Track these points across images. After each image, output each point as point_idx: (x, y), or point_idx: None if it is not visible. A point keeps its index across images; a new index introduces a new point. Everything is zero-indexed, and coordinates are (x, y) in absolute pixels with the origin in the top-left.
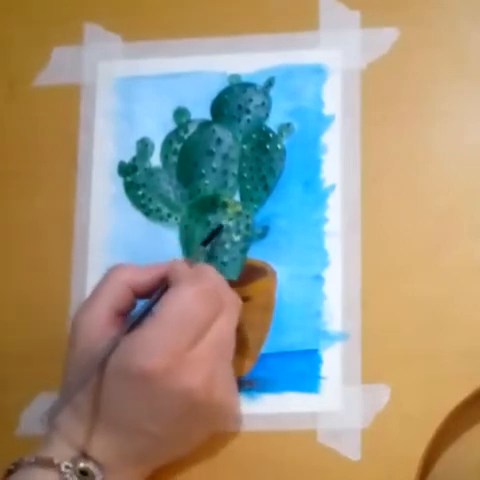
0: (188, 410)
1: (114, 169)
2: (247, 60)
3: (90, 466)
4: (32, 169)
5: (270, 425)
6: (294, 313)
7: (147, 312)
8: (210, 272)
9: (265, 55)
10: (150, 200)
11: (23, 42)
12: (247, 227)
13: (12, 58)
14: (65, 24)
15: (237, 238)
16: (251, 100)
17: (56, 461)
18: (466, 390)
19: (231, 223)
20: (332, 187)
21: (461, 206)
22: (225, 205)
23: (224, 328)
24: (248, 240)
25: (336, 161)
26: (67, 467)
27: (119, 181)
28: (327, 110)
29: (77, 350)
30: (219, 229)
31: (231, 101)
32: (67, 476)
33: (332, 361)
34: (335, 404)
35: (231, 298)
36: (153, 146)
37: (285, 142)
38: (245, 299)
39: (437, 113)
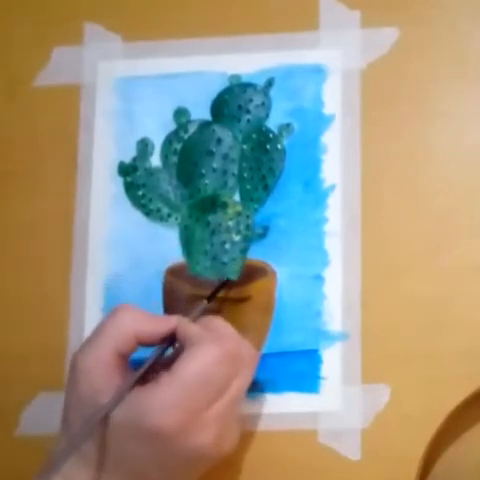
0: (196, 461)
1: (114, 169)
2: (247, 60)
3: None
4: (32, 169)
5: (270, 425)
6: (294, 313)
7: (152, 366)
8: (226, 329)
9: (265, 55)
10: (150, 200)
11: (23, 42)
12: (247, 227)
13: (12, 58)
14: (65, 24)
15: (237, 238)
16: (251, 100)
17: None
18: (466, 390)
19: (231, 223)
20: (332, 187)
21: (461, 206)
22: (225, 205)
23: (240, 387)
24: (248, 240)
25: (336, 161)
26: None
27: (119, 181)
28: (327, 110)
29: (80, 394)
30: (224, 283)
31: (231, 101)
32: None
33: (332, 361)
34: (335, 404)
35: (249, 353)
36: (153, 146)
37: (285, 142)
38: (245, 299)
39: (437, 113)
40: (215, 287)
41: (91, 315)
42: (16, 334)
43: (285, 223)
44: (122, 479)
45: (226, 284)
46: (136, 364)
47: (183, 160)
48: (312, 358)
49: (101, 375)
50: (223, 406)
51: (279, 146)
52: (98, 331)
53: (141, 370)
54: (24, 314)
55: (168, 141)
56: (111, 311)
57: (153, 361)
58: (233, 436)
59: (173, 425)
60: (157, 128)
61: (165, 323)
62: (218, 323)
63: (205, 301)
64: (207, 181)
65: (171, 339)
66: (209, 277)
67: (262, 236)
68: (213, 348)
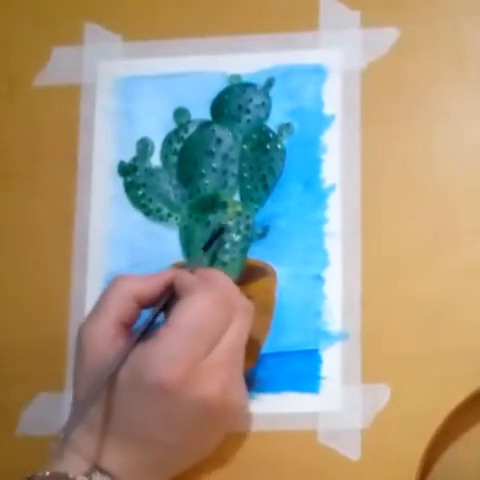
0: (203, 417)
1: (114, 169)
2: (247, 60)
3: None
4: (32, 169)
5: (270, 425)
6: (294, 313)
7: (153, 322)
8: (221, 278)
9: (265, 55)
10: (150, 200)
11: (23, 42)
12: (247, 227)
13: (12, 58)
14: (65, 24)
15: (237, 238)
16: (251, 100)
17: (71, 475)
18: (466, 390)
19: (231, 223)
20: (332, 187)
21: (461, 206)
22: (225, 205)
23: (237, 333)
24: (248, 240)
25: (336, 161)
26: None
27: (119, 181)
28: (327, 110)
29: (85, 364)
30: (220, 231)
31: (231, 101)
32: None
33: (332, 361)
34: (335, 404)
35: (243, 303)
36: (153, 146)
37: (285, 142)
38: None
39: (437, 113)
40: (210, 234)
41: None
42: (16, 334)
43: (285, 223)
44: (131, 444)
45: (222, 231)
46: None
47: (183, 160)
48: (312, 358)
49: (105, 343)
50: (221, 354)
51: (279, 146)
52: (99, 302)
53: (142, 327)
54: (24, 314)
55: (168, 141)
56: (110, 281)
57: (153, 317)
58: (239, 393)
59: (176, 376)
60: (157, 128)
61: (162, 278)
62: (213, 272)
63: (201, 250)
64: (207, 181)
65: (169, 292)
66: None
67: (262, 236)
68: (206, 295)
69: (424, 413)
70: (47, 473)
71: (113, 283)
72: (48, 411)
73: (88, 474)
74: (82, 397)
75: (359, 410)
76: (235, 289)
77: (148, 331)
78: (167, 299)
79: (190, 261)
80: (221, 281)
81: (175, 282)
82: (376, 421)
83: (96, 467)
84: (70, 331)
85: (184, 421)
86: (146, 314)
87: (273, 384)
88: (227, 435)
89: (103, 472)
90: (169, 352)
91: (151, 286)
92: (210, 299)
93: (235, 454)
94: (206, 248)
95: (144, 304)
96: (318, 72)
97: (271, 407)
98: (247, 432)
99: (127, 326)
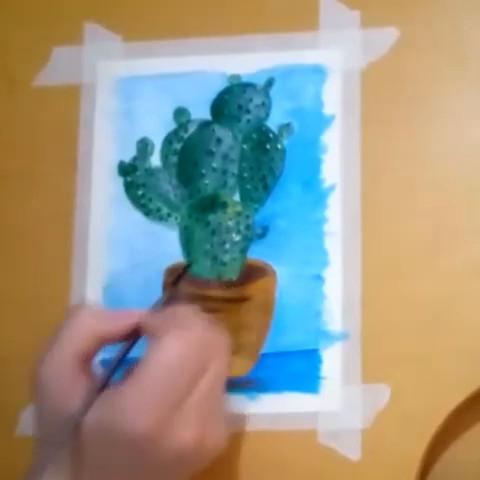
0: (178, 467)
1: (114, 169)
2: (247, 60)
3: None
4: (32, 169)
5: (270, 425)
6: (294, 313)
7: (118, 366)
8: (191, 317)
9: (265, 55)
10: (150, 200)
11: (23, 42)
12: (247, 227)
13: (12, 58)
14: (65, 24)
15: (237, 238)
16: (251, 100)
17: None
18: (466, 390)
19: (231, 223)
20: (332, 187)
21: (461, 206)
22: (225, 205)
23: (214, 376)
24: (248, 240)
25: (336, 161)
26: None
27: (119, 181)
28: (327, 110)
29: (47, 406)
30: (185, 269)
31: (231, 101)
32: None
33: (332, 361)
34: (335, 404)
35: (218, 341)
36: (153, 146)
37: (285, 142)
38: (245, 299)
39: (437, 113)
40: (179, 273)
41: None
42: (16, 334)
43: (285, 223)
44: None
45: (187, 269)
46: (108, 364)
47: (183, 160)
48: (312, 358)
49: (67, 382)
50: (199, 398)
51: (279, 146)
52: (56, 337)
53: (109, 370)
54: (24, 314)
55: (168, 141)
56: (66, 313)
57: (120, 359)
58: (217, 435)
59: (148, 424)
60: (157, 128)
61: (127, 318)
62: (184, 312)
63: (172, 288)
64: (207, 181)
65: (136, 334)
66: (209, 277)
67: (262, 236)
68: (178, 337)
69: (424, 413)
70: None
71: (70, 317)
72: None
73: None
74: (48, 440)
75: (359, 410)
76: (207, 325)
77: (113, 375)
78: (134, 341)
79: (156, 302)
80: (193, 321)
81: (141, 323)
82: (376, 421)
83: None
84: None
85: (157, 472)
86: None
87: (273, 384)
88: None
89: None
90: (140, 399)
91: (115, 325)
92: (183, 342)
93: (235, 454)
94: (174, 284)
95: (106, 342)
96: (318, 72)
97: (271, 407)
98: (247, 432)
99: (88, 359)
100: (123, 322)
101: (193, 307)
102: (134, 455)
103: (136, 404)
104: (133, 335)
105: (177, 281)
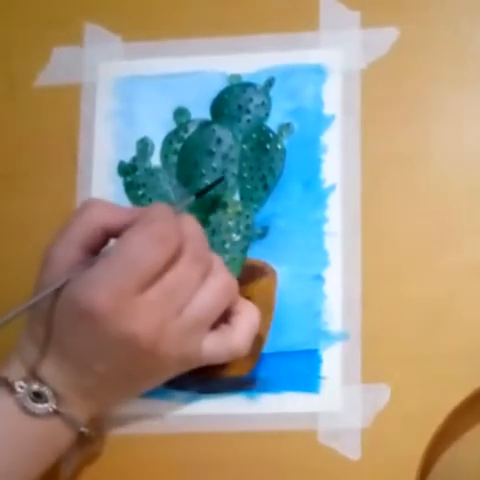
0: (131, 355)
1: (114, 169)
2: (247, 60)
3: (45, 390)
4: (32, 169)
5: (270, 425)
6: (294, 313)
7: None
8: (189, 223)
9: (265, 55)
10: (150, 200)
11: (23, 42)
12: (247, 227)
13: (12, 58)
14: (65, 24)
15: (237, 238)
16: (251, 100)
17: (10, 380)
18: (466, 390)
19: (231, 223)
20: (332, 187)
21: (461, 206)
22: (225, 205)
23: (180, 277)
24: (248, 240)
25: (336, 161)
26: (21, 387)
27: (119, 181)
28: (327, 110)
29: (42, 281)
30: (219, 181)
31: (231, 101)
32: (20, 396)
33: (332, 361)
34: (335, 404)
35: (188, 230)
36: (153, 146)
37: (285, 142)
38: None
39: (437, 113)
40: (208, 184)
41: None
42: (16, 334)
43: (285, 223)
44: (66, 362)
45: (219, 182)
46: None
47: (183, 160)
48: (312, 358)
49: (64, 264)
50: (156, 294)
51: (279, 146)
52: (67, 226)
53: (97, 257)
54: (25, 314)
55: (168, 141)
56: (80, 205)
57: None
58: (176, 342)
59: (101, 305)
60: (157, 128)
61: (133, 213)
62: (186, 217)
63: (193, 196)
64: (207, 181)
65: None
66: None
67: (262, 236)
68: (142, 229)
69: (424, 413)
70: None
71: (82, 209)
72: None
73: (27, 380)
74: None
75: (359, 410)
76: (173, 222)
77: None
78: None
79: (177, 202)
80: (159, 213)
81: (142, 217)
82: (376, 421)
83: (34, 374)
84: None
85: (112, 353)
86: None
87: (273, 384)
88: (227, 435)
89: (42, 382)
90: (98, 279)
91: (121, 219)
92: (146, 233)
93: (235, 454)
94: (199, 195)
95: (111, 235)
96: (318, 72)
97: (271, 407)
98: (247, 432)
99: (92, 251)
100: (127, 215)
101: (166, 204)
102: (91, 330)
103: (94, 283)
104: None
105: (205, 191)
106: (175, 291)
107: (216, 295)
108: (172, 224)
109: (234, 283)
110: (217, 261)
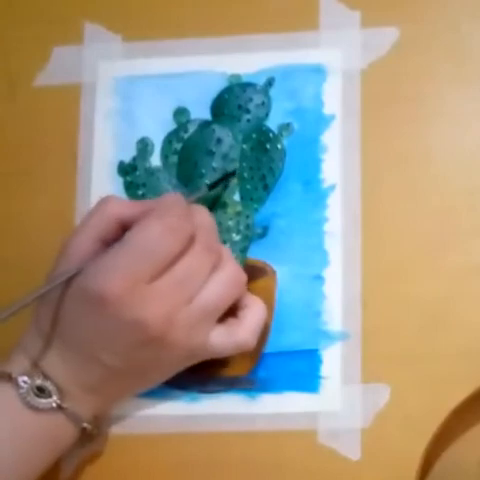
0: (139, 343)
1: (114, 169)
2: (247, 60)
3: (48, 385)
4: (32, 169)
5: (270, 425)
6: (294, 313)
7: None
8: (201, 214)
9: (265, 55)
10: None
11: (23, 42)
12: (247, 227)
13: (12, 58)
14: (65, 24)
15: (237, 238)
16: (251, 100)
17: (14, 375)
18: (466, 390)
19: (231, 223)
20: (332, 187)
21: (461, 206)
22: (225, 205)
23: (191, 267)
24: (248, 240)
25: (336, 161)
26: (24, 382)
27: (119, 181)
28: (327, 110)
29: (56, 271)
30: (232, 174)
31: (231, 101)
32: (24, 391)
33: (332, 361)
34: (335, 404)
35: (201, 220)
36: (153, 146)
37: (285, 142)
38: None
39: (437, 113)
40: (220, 176)
41: None
42: (16, 335)
43: (285, 223)
44: (72, 354)
45: (232, 175)
46: None
47: (183, 160)
48: (312, 358)
49: (79, 255)
50: (167, 283)
51: (279, 146)
52: (83, 221)
53: (112, 246)
54: (25, 314)
55: (168, 141)
56: (98, 201)
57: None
58: (185, 331)
59: (112, 292)
60: (157, 128)
61: (148, 205)
62: (197, 208)
63: (206, 187)
64: (207, 181)
65: None
66: None
67: (262, 236)
68: (157, 219)
69: (424, 413)
70: None
71: (99, 204)
72: None
73: (30, 375)
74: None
75: (359, 410)
76: (185, 210)
77: None
78: None
79: (191, 193)
80: (199, 215)
81: (156, 208)
82: (376, 421)
83: (37, 369)
84: None
85: (120, 342)
86: None
87: (273, 384)
88: (226, 435)
89: (45, 376)
90: (108, 267)
91: (136, 211)
92: (159, 225)
93: (235, 454)
94: (212, 187)
95: (126, 227)
96: (318, 72)
97: (271, 407)
98: (247, 432)
99: (108, 245)
100: (142, 207)
101: (179, 194)
102: (100, 317)
103: (107, 270)
104: None
105: (217, 184)
106: (185, 281)
107: (225, 286)
108: (185, 214)
109: (243, 275)
110: (227, 253)
